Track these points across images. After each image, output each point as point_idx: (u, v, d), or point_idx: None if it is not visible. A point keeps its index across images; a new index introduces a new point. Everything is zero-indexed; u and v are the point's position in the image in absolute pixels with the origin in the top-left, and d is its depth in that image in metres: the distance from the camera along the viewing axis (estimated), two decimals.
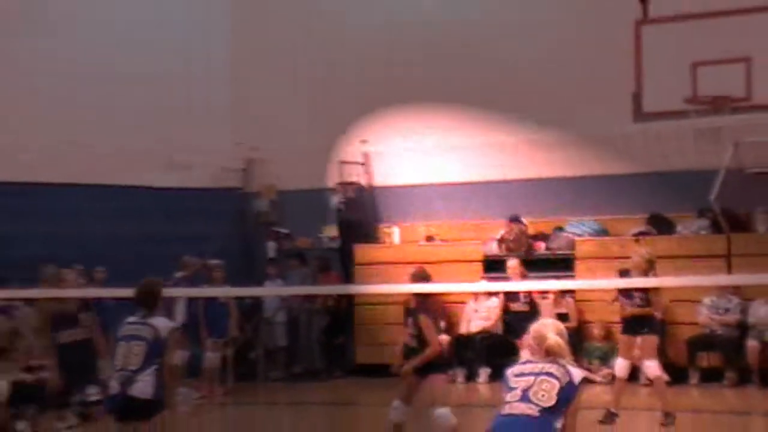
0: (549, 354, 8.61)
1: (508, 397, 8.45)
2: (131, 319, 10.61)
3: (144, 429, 10.32)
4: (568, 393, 8.37)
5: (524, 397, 8.34)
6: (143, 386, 10.18)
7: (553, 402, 8.28)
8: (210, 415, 18.82)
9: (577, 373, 8.51)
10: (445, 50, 22.86)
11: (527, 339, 8.99)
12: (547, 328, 8.76)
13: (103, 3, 23.28)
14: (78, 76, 22.01)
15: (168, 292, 18.24)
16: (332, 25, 24.25)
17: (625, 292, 15.63)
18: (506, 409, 8.43)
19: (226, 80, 24.72)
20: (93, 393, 16.31)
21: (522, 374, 8.55)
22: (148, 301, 10.73)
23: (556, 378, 8.41)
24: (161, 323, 10.63)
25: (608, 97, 19.91)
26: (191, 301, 19.71)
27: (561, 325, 8.87)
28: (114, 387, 10.28)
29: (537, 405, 8.31)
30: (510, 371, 8.66)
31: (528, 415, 8.28)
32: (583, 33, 21.36)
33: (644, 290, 15.41)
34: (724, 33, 18.61)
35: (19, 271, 18.05)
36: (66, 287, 16.21)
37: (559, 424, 8.38)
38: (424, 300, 14.15)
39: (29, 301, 17.50)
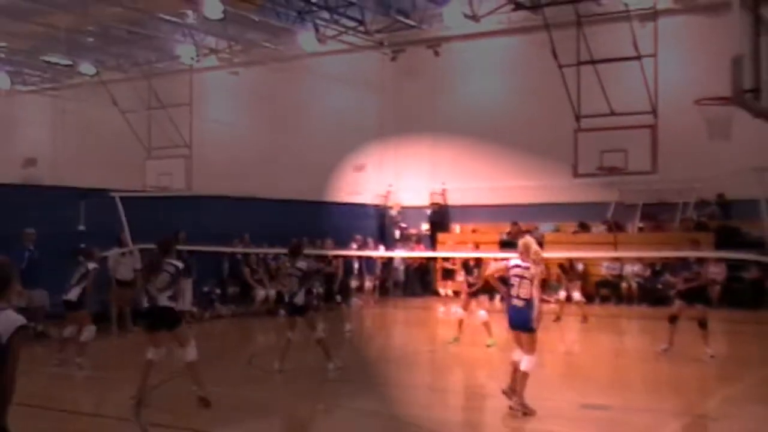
0: (524, 257, 7.94)
1: (512, 291, 7.89)
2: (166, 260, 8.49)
3: None
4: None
5: (517, 295, 7.85)
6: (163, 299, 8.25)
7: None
8: (367, 312, 19.06)
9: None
10: (486, 136, 22.57)
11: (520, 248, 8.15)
12: (526, 242, 8.19)
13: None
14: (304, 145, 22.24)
15: (349, 252, 18.94)
16: (432, 120, 23.71)
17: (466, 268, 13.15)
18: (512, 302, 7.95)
19: (381, 151, 24.25)
20: (338, 297, 16.13)
21: (515, 275, 7.92)
22: None
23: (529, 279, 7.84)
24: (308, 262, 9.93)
25: (562, 166, 19.75)
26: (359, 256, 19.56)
27: (532, 242, 8.24)
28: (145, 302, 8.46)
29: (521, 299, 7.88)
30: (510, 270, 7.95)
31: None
32: (548, 134, 21.14)
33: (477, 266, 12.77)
34: (616, 137, 18.62)
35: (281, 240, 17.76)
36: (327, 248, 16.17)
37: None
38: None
39: None
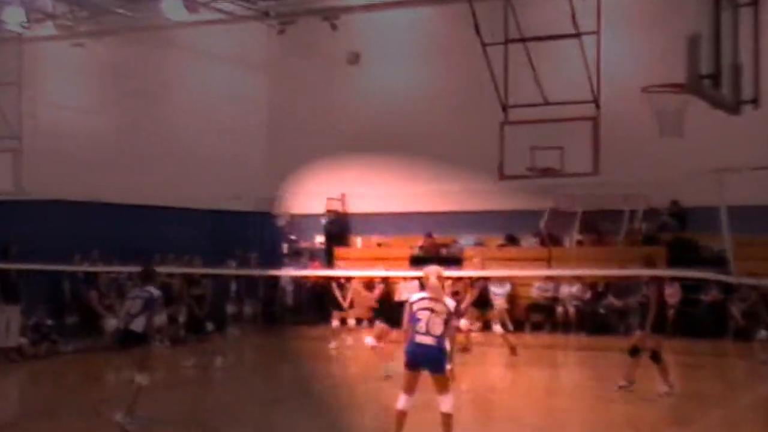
0: (432, 290, 8.42)
1: (417, 326, 8.32)
2: (136, 287, 10.70)
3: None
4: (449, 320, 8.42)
5: (427, 331, 8.25)
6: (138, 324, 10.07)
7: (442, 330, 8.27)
8: (248, 344, 19.57)
9: (451, 304, 8.51)
10: (394, 128, 23.15)
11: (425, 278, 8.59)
12: (431, 271, 8.56)
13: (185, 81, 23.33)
14: (186, 143, 22.19)
15: (225, 271, 19.41)
16: (329, 108, 24.39)
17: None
18: (417, 338, 8.35)
19: (264, 144, 25.01)
20: (210, 326, 16.71)
21: (421, 309, 8.37)
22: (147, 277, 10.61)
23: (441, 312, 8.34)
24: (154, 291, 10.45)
25: (484, 166, 19.19)
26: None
27: (441, 270, 8.68)
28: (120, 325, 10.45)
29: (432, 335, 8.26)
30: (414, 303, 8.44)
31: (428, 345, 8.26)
32: (470, 129, 21.57)
33: None
34: (549, 132, 17.94)
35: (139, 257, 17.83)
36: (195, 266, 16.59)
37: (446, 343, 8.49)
38: None
39: None
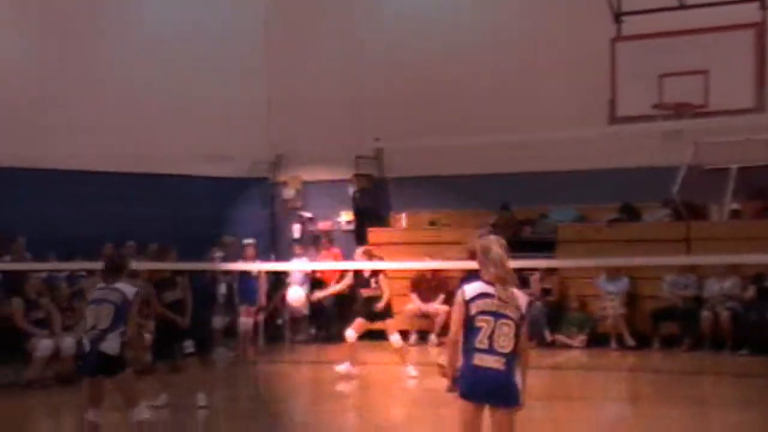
0: (497, 278, 8.01)
1: (476, 342, 7.97)
2: (100, 285, 10.51)
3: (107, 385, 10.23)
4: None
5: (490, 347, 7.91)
6: (111, 344, 9.99)
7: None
8: (243, 371, 19.27)
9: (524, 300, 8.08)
10: (449, 59, 22.93)
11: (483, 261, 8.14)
12: (490, 242, 8.17)
13: (154, 22, 23.04)
14: (144, 86, 21.88)
15: (210, 266, 19.39)
16: (350, 37, 24.17)
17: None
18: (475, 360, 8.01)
19: (263, 83, 24.52)
20: (189, 346, 16.30)
21: (483, 312, 7.97)
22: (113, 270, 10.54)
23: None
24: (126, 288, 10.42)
25: (588, 103, 19.94)
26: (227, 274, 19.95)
27: (503, 241, 8.29)
28: (86, 345, 10.25)
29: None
30: (473, 297, 7.98)
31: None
32: (567, 51, 21.44)
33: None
34: (686, 49, 18.92)
35: (83, 247, 18.32)
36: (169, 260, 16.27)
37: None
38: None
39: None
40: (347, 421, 15.02)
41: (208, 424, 14.41)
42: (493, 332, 7.81)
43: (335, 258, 22.27)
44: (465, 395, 7.91)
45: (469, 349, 7.88)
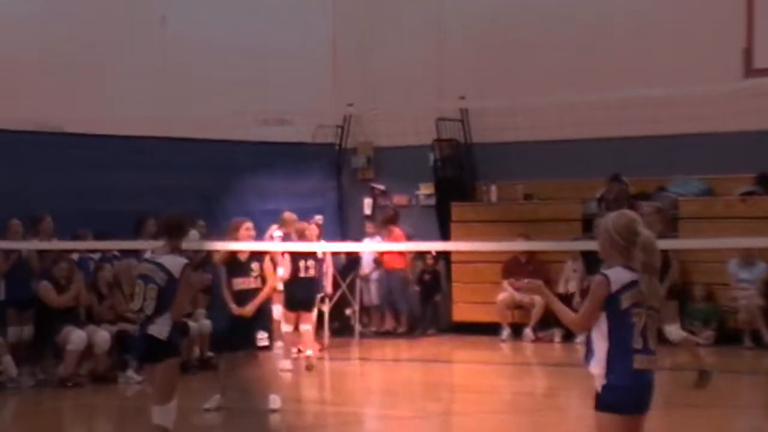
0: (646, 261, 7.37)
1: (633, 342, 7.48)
2: (148, 255, 10.55)
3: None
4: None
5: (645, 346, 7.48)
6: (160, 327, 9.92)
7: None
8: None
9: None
10: (545, 3, 22.17)
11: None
12: (635, 220, 7.46)
13: None
14: (197, 49, 21.52)
15: (267, 247, 18.52)
16: None
17: None
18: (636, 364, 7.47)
19: (328, 41, 24.02)
20: (262, 338, 15.42)
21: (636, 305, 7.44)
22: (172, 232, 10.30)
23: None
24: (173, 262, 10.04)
25: (717, 53, 19.29)
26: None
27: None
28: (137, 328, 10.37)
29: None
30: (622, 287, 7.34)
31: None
32: None
33: None
34: None
35: (121, 222, 17.89)
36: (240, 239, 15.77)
37: None
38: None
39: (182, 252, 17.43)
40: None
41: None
42: (645, 328, 7.42)
43: (396, 240, 21.82)
44: (626, 408, 7.39)
45: (623, 352, 7.36)
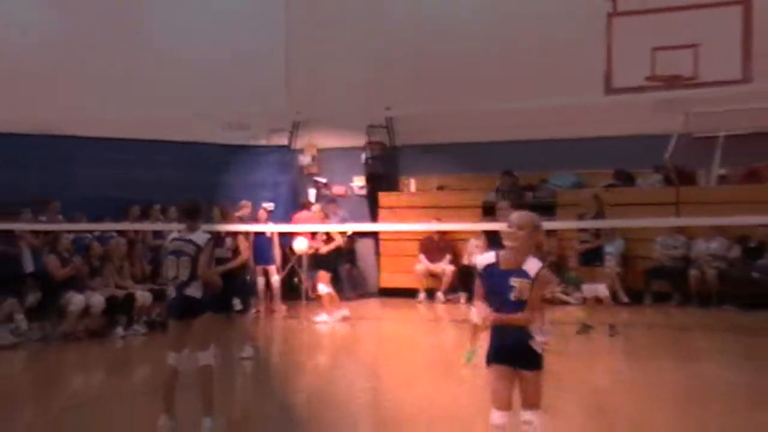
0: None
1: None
2: (175, 235, 10.23)
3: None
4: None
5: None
6: (194, 290, 9.94)
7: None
8: (265, 326, 19.24)
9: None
10: (455, 32, 22.90)
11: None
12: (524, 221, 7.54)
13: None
14: (167, 60, 21.90)
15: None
16: (365, 14, 24.22)
17: None
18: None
19: (281, 56, 24.22)
20: (237, 303, 16.75)
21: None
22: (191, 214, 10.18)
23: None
24: (200, 237, 10.15)
25: (584, 76, 19.59)
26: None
27: (535, 218, 7.65)
28: (171, 292, 10.08)
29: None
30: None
31: None
32: (566, 25, 21.28)
33: None
34: (678, 24, 18.54)
35: (112, 209, 19.14)
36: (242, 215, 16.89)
37: None
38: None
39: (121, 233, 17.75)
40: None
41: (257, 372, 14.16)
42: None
43: (312, 217, 20.87)
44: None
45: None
